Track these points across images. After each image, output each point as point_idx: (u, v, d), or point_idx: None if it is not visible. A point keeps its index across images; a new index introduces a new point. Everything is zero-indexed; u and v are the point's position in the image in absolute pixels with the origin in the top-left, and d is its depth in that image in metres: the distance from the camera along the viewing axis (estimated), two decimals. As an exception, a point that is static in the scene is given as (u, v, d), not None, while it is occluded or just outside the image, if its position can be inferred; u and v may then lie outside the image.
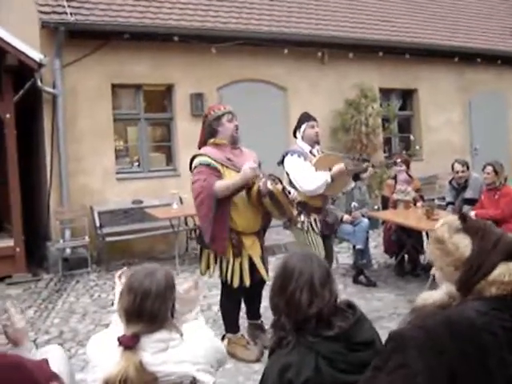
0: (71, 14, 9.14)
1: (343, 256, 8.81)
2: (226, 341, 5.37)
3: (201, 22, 10.35)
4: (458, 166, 8.03)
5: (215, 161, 5.05)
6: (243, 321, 5.67)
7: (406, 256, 8.10)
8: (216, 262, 5.21)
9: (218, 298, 5.59)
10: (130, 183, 10.01)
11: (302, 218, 5.67)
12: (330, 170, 5.62)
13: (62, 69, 9.26)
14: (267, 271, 5.22)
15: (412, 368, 1.81)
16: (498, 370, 1.85)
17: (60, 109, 9.20)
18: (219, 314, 5.65)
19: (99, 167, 9.63)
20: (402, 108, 13.37)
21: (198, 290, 3.12)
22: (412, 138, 13.15)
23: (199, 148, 5.31)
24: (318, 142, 5.83)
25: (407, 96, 13.45)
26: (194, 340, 2.60)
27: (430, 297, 2.15)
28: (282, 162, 5.80)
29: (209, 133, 5.23)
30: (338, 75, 11.80)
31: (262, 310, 5.58)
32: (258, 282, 5.18)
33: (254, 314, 5.58)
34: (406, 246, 7.81)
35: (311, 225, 5.71)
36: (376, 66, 12.32)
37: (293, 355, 2.25)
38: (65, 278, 8.73)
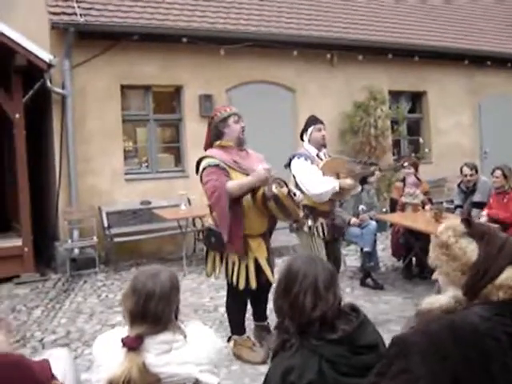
0: (81, 15, 9.18)
1: (351, 259, 8.79)
2: (231, 342, 5.37)
3: (210, 24, 10.36)
4: (466, 170, 8.01)
5: (222, 162, 5.04)
6: (249, 322, 5.66)
7: (414, 259, 8.07)
8: (222, 264, 5.20)
9: (225, 299, 5.58)
10: (138, 184, 10.03)
11: (309, 222, 5.65)
12: (337, 174, 5.60)
13: (72, 69, 9.29)
14: (273, 273, 5.21)
15: (415, 373, 1.80)
16: (501, 376, 1.84)
17: (69, 109, 9.23)
18: (225, 315, 5.64)
19: (108, 168, 9.65)
20: (411, 110, 13.33)
21: None
22: (421, 140, 13.08)
23: (205, 150, 5.30)
24: (324, 146, 5.80)
25: (416, 98, 13.40)
26: (197, 341, 2.60)
27: (436, 301, 2.13)
28: (288, 165, 5.78)
29: (215, 134, 5.22)
30: (347, 77, 11.78)
31: (268, 312, 5.57)
32: (264, 284, 5.17)
33: (260, 315, 5.57)
34: (413, 248, 7.78)
35: (317, 229, 5.69)
36: (385, 68, 12.29)
37: (296, 358, 2.25)
38: (72, 278, 8.75)
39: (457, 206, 8.31)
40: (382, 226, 8.95)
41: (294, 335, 2.30)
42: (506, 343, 1.86)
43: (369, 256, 7.67)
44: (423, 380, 1.79)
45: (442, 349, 1.81)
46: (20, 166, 8.75)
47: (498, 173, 7.62)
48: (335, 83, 11.70)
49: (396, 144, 12.88)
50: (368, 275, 7.71)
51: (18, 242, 8.78)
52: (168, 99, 10.90)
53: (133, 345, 2.45)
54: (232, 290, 5.24)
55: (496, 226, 6.55)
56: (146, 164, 10.59)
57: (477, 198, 7.96)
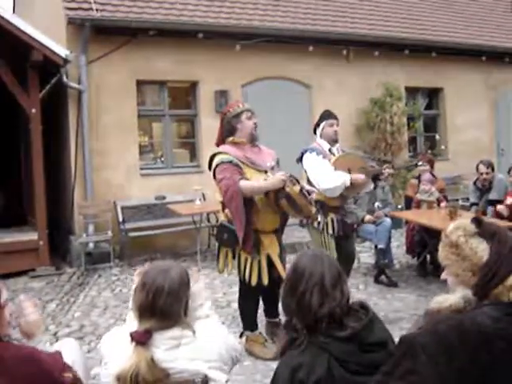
0: (97, 10, 9.21)
1: (365, 255, 8.77)
2: (244, 338, 5.38)
3: (226, 19, 10.36)
4: (482, 168, 7.94)
5: (236, 159, 5.04)
6: (262, 319, 5.66)
7: (429, 256, 8.03)
8: (234, 259, 5.21)
9: (237, 295, 5.59)
10: (153, 179, 10.07)
11: (319, 217, 5.64)
12: (349, 170, 5.57)
13: (88, 65, 9.33)
14: (285, 269, 5.20)
15: (422, 374, 1.80)
16: (510, 377, 1.82)
17: (85, 104, 9.27)
18: (238, 311, 5.64)
19: (123, 163, 9.69)
20: (427, 107, 13.26)
21: (196, 280, 3.01)
22: (437, 137, 13.03)
23: (217, 146, 5.30)
24: (336, 141, 5.78)
25: (433, 95, 13.32)
26: (207, 338, 2.60)
27: (445, 300, 2.12)
28: (300, 160, 5.77)
29: (227, 130, 5.21)
30: (363, 73, 11.72)
31: (279, 309, 5.57)
32: (276, 280, 5.15)
33: (272, 312, 5.56)
34: (428, 246, 7.74)
35: (327, 225, 5.68)
36: (402, 64, 12.23)
37: (304, 355, 2.24)
38: (87, 272, 8.80)
39: (472, 204, 8.26)
40: (397, 223, 8.92)
41: (302, 333, 2.30)
42: (516, 344, 1.85)
43: (383, 253, 7.64)
44: (430, 381, 1.78)
45: (449, 350, 1.80)
46: (36, 160, 8.80)
47: (515, 171, 7.57)
48: (351, 79, 11.65)
49: (412, 141, 12.83)
50: (382, 272, 7.68)
51: (33, 236, 8.84)
52: (183, 95, 10.92)
53: (141, 339, 2.46)
54: (244, 286, 5.25)
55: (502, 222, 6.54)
56: (162, 159, 10.63)
57: (493, 195, 7.91)
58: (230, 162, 5.00)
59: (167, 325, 2.52)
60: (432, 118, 13.37)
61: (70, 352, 3.02)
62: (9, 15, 8.39)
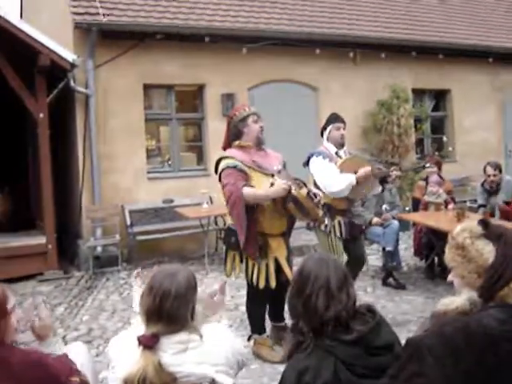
0: (104, 14, 9.24)
1: (372, 258, 8.75)
2: (251, 341, 5.38)
3: (232, 23, 10.38)
4: (489, 170, 7.91)
5: (242, 163, 5.05)
6: (269, 323, 5.65)
7: (436, 259, 8.01)
8: (242, 263, 5.21)
9: (245, 298, 5.59)
10: (161, 182, 10.08)
11: (326, 220, 5.63)
12: (355, 172, 5.56)
13: (95, 69, 9.36)
14: (293, 273, 5.19)
15: (428, 377, 1.79)
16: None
17: (92, 108, 9.31)
18: (246, 314, 5.64)
19: (131, 166, 9.71)
20: (434, 109, 13.23)
21: (224, 294, 3.11)
22: (445, 139, 13.00)
23: (224, 149, 5.31)
24: (342, 145, 5.77)
25: (440, 97, 13.30)
26: (213, 342, 2.60)
27: (452, 303, 2.12)
28: (307, 164, 5.77)
29: (234, 134, 5.22)
30: (370, 75, 11.71)
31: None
32: (283, 284, 5.14)
33: (277, 316, 5.55)
34: (436, 248, 7.72)
35: (334, 228, 5.67)
36: (409, 67, 12.22)
37: (311, 359, 2.24)
38: (95, 275, 8.82)
39: (480, 206, 8.23)
40: (404, 225, 8.90)
41: (308, 336, 2.30)
42: (521, 346, 1.84)
43: (391, 255, 7.62)
44: (437, 383, 1.78)
45: (455, 352, 1.80)
46: (44, 164, 8.84)
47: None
48: (358, 81, 11.64)
49: (419, 142, 12.81)
50: (390, 275, 7.67)
51: (41, 240, 8.87)
52: (190, 98, 10.94)
53: (148, 343, 2.46)
54: (252, 289, 5.24)
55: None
56: (169, 163, 10.65)
57: (501, 197, 7.88)
58: (235, 167, 5.01)
59: (174, 329, 2.52)
60: (439, 119, 13.35)
61: (79, 356, 3.04)
62: (16, 20, 8.44)
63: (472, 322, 1.90)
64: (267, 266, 5.12)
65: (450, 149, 12.85)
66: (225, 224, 8.88)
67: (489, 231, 2.12)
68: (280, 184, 4.89)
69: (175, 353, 2.50)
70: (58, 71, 8.68)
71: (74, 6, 9.28)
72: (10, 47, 8.33)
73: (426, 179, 8.48)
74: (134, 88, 9.79)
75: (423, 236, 7.96)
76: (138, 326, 2.63)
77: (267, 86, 10.87)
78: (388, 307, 6.68)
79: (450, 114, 13.20)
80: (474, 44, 12.87)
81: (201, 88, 10.57)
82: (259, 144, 5.22)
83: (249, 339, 5.40)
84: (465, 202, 9.87)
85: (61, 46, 8.56)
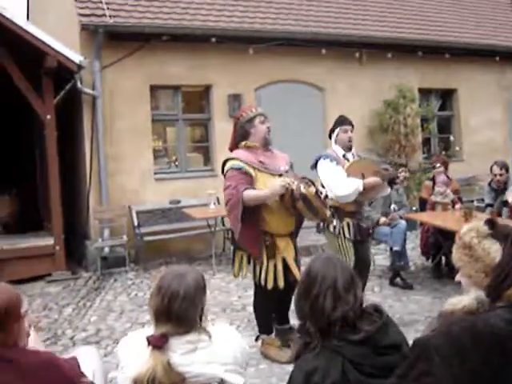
0: (110, 16, 9.28)
1: (380, 258, 8.76)
2: (259, 342, 5.39)
3: (238, 23, 10.40)
4: (496, 169, 7.90)
5: (247, 164, 5.05)
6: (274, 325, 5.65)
7: (444, 258, 8.00)
8: (249, 264, 5.22)
9: (252, 298, 5.60)
10: (168, 183, 10.11)
11: (335, 222, 5.63)
12: (362, 175, 5.54)
13: (102, 70, 9.40)
14: (300, 273, 5.19)
15: (436, 376, 1.80)
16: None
17: (99, 110, 9.34)
18: (254, 314, 5.65)
19: (138, 167, 9.74)
20: (441, 108, 13.21)
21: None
22: (452, 138, 12.99)
23: (230, 150, 5.32)
24: (350, 148, 5.75)
25: (447, 96, 13.28)
26: (222, 341, 2.61)
27: (459, 302, 2.12)
28: (315, 166, 5.76)
29: (241, 135, 5.24)
30: (376, 75, 11.71)
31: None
32: (292, 284, 5.13)
33: (282, 319, 5.52)
34: (443, 248, 7.71)
35: (343, 229, 5.66)
36: (415, 66, 12.21)
37: (319, 359, 2.25)
38: (103, 276, 8.85)
39: (487, 205, 8.21)
40: (411, 225, 8.89)
41: (315, 337, 2.31)
42: (528, 346, 1.85)
43: (398, 255, 7.62)
44: (444, 382, 1.79)
45: (462, 351, 1.80)
46: (51, 166, 8.88)
47: (530, 171, 7.53)
48: (364, 81, 11.64)
49: (426, 142, 12.80)
50: (397, 274, 7.67)
51: (49, 241, 8.91)
52: (197, 99, 10.96)
53: (157, 343, 2.48)
54: (259, 289, 5.25)
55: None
56: (176, 163, 10.68)
57: (507, 196, 7.85)
58: (240, 169, 5.02)
59: (183, 329, 2.54)
60: (446, 119, 13.32)
61: (90, 360, 3.06)
62: (23, 22, 8.47)
63: (479, 322, 1.90)
64: (275, 266, 5.13)
65: (457, 148, 12.84)
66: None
67: (496, 231, 2.12)
68: (277, 182, 4.91)
69: (184, 353, 2.51)
70: (64, 73, 8.71)
71: (81, 8, 9.32)
72: (16, 49, 8.36)
73: (433, 179, 8.46)
74: (141, 89, 9.82)
75: (430, 236, 7.96)
76: (149, 327, 2.65)
77: (274, 87, 10.88)
78: (395, 307, 6.68)
79: (457, 114, 13.18)
80: (481, 43, 12.85)
81: (207, 89, 10.59)
82: (266, 145, 5.23)
83: (256, 339, 5.41)
84: (472, 201, 9.87)
85: (67, 47, 8.59)
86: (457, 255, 2.19)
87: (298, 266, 5.24)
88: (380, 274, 8.14)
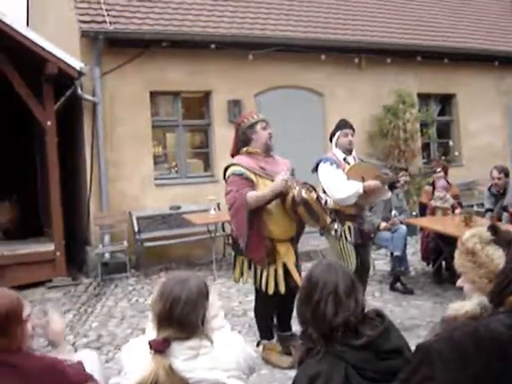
0: (110, 22, 9.31)
1: (380, 263, 8.77)
2: (261, 347, 5.39)
3: (238, 29, 10.43)
4: (494, 173, 7.91)
5: (248, 170, 5.07)
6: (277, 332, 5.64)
7: (444, 263, 8.01)
8: (250, 269, 5.23)
9: (253, 304, 5.61)
10: (168, 189, 10.12)
11: (336, 225, 5.64)
12: (362, 179, 5.57)
13: (102, 77, 9.43)
14: (301, 277, 5.19)
15: (439, 381, 1.81)
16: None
17: (100, 116, 9.37)
18: (255, 320, 5.65)
19: (138, 173, 9.76)
20: (440, 113, 13.24)
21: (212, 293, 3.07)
22: (451, 143, 13.01)
23: (232, 156, 5.34)
24: (350, 151, 5.78)
25: (446, 101, 13.30)
26: (225, 347, 2.62)
27: (462, 307, 2.13)
28: (315, 170, 5.78)
29: (242, 141, 5.25)
30: (375, 81, 11.74)
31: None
32: (292, 289, 5.13)
33: (284, 325, 5.50)
34: (443, 253, 7.72)
35: (344, 233, 5.67)
36: (414, 71, 12.24)
37: (322, 364, 2.26)
38: (104, 282, 8.86)
39: (487, 210, 8.22)
40: (411, 230, 8.89)
41: (318, 342, 2.32)
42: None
43: (399, 260, 7.63)
44: (447, 388, 1.80)
45: (464, 356, 1.81)
46: (52, 172, 8.89)
47: (529, 176, 7.55)
48: (364, 87, 11.67)
49: (425, 147, 12.82)
50: (398, 279, 7.68)
51: (50, 247, 8.91)
52: (197, 105, 10.98)
53: (159, 347, 2.49)
54: (261, 294, 5.25)
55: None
56: (176, 169, 10.69)
57: (507, 201, 7.86)
58: (241, 174, 5.04)
59: (185, 335, 2.54)
60: (445, 124, 13.35)
61: (90, 364, 3.06)
62: (23, 29, 8.50)
63: (481, 327, 1.91)
64: (276, 271, 5.13)
65: (456, 153, 12.87)
66: (232, 230, 8.98)
67: (498, 237, 2.13)
68: (277, 179, 4.93)
69: (186, 359, 2.52)
70: (65, 79, 8.73)
71: (81, 14, 9.36)
72: (16, 55, 8.39)
73: (433, 184, 8.47)
74: (141, 95, 9.85)
75: (430, 241, 7.97)
76: (151, 333, 2.66)
77: (273, 92, 10.91)
78: (396, 312, 6.68)
79: (456, 119, 13.20)
80: (480, 48, 12.88)
81: (207, 95, 10.62)
82: (267, 150, 5.25)
83: (258, 345, 5.41)
84: (472, 206, 9.87)
85: (67, 54, 8.62)
86: (459, 261, 2.20)
87: (299, 271, 5.25)
88: (380, 279, 8.15)
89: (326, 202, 5.21)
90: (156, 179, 10.09)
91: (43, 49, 8.29)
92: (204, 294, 2.66)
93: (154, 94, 10.14)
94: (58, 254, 8.83)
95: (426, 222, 8.07)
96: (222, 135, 10.19)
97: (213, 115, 10.57)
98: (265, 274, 5.12)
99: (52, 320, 3.02)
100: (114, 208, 9.50)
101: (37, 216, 10.78)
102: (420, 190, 10.27)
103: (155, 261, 9.40)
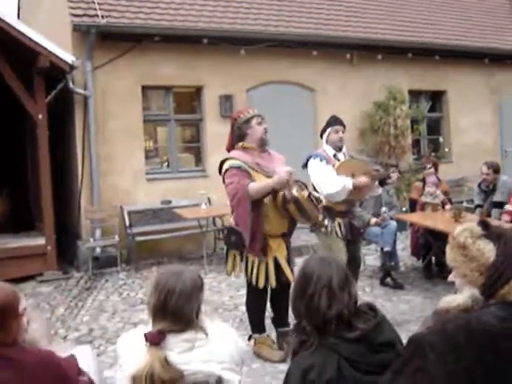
0: (102, 16, 9.28)
1: (370, 258, 8.82)
2: (252, 341, 5.42)
3: (230, 25, 10.43)
4: (484, 169, 7.96)
5: (245, 164, 5.10)
6: (269, 320, 5.68)
7: (434, 258, 8.07)
8: (242, 262, 5.25)
9: (245, 298, 5.62)
10: (159, 183, 10.12)
11: (326, 222, 5.67)
12: (352, 175, 5.60)
13: (94, 71, 9.40)
14: (293, 273, 5.22)
15: (431, 372, 1.84)
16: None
17: (91, 110, 9.35)
18: (246, 314, 5.67)
19: (129, 167, 9.75)
20: (431, 110, 13.29)
21: None
22: (441, 139, 13.08)
23: (228, 151, 5.36)
24: (341, 147, 5.81)
25: (436, 98, 13.36)
26: (219, 340, 2.65)
27: (454, 300, 2.16)
28: (306, 166, 5.81)
29: (238, 136, 5.27)
30: (366, 77, 11.77)
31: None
32: (284, 284, 5.16)
33: (282, 321, 5.51)
34: (433, 248, 7.78)
35: (334, 229, 5.71)
36: (405, 68, 12.29)
37: (315, 357, 2.29)
38: (95, 276, 8.86)
39: (477, 206, 8.28)
40: (401, 225, 8.94)
41: (312, 335, 2.34)
42: (521, 343, 1.89)
43: (389, 256, 7.68)
44: (438, 379, 1.83)
45: (456, 349, 1.85)
46: (43, 165, 8.86)
47: (519, 172, 7.60)
48: (355, 83, 11.70)
49: (416, 143, 12.88)
50: (388, 274, 7.73)
51: (41, 241, 8.90)
52: (188, 99, 10.98)
53: (155, 340, 2.52)
54: (252, 288, 5.27)
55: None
56: (167, 164, 10.69)
57: (497, 197, 7.92)
58: (239, 167, 5.06)
59: (180, 327, 2.57)
60: (435, 120, 13.41)
61: (85, 358, 3.08)
62: (14, 21, 8.46)
63: (472, 319, 1.94)
64: (267, 265, 5.16)
65: (446, 150, 12.93)
66: (223, 224, 9.01)
67: (489, 231, 2.17)
68: (280, 171, 4.96)
69: (182, 351, 2.55)
70: (56, 73, 8.70)
71: (73, 8, 9.32)
72: (8, 48, 8.36)
73: (423, 180, 8.53)
74: (133, 89, 9.84)
75: (420, 236, 8.02)
76: (145, 325, 2.69)
77: (265, 88, 10.92)
78: (386, 307, 6.72)
79: (446, 115, 13.27)
80: (470, 45, 12.95)
81: (199, 89, 10.61)
82: (263, 145, 5.27)
83: (249, 339, 5.44)
84: (461, 202, 9.93)
85: (59, 47, 8.59)
86: (451, 255, 2.23)
87: (291, 266, 5.28)
88: (371, 274, 8.20)
89: (318, 199, 5.21)
90: (147, 174, 10.09)
91: (35, 42, 8.26)
92: (198, 287, 2.69)
93: (145, 89, 10.13)
94: (48, 248, 8.82)
95: (416, 217, 8.12)
96: (214, 130, 10.21)
97: (204, 110, 10.57)
98: (255, 268, 5.15)
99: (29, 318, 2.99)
100: (106, 202, 9.50)
101: (28, 210, 10.75)
102: (410, 186, 10.32)
103: (146, 255, 9.42)
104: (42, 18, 12.06)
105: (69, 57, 8.64)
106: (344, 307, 2.32)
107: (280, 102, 10.80)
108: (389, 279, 7.70)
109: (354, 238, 5.89)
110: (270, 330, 5.59)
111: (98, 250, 9.32)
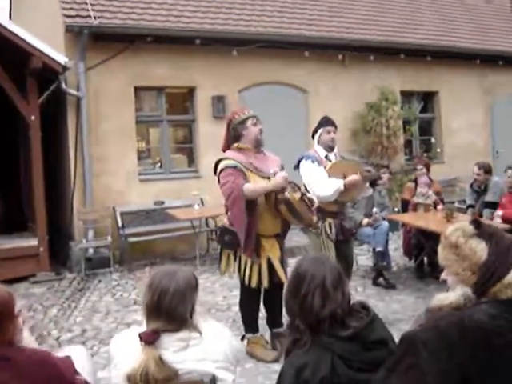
0: (95, 17, 9.27)
1: (363, 258, 8.84)
2: (245, 341, 5.43)
3: (222, 25, 10.44)
4: (475, 169, 8.03)
5: (240, 164, 5.11)
6: (263, 321, 5.69)
7: (426, 258, 8.11)
8: (235, 262, 5.26)
9: (238, 298, 5.64)
10: (152, 184, 10.12)
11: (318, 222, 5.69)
12: (344, 176, 5.61)
13: (86, 71, 9.39)
14: (286, 274, 5.23)
15: (423, 370, 1.86)
16: (509, 373, 1.89)
17: (84, 111, 9.34)
18: (239, 314, 5.69)
19: (122, 168, 9.75)
20: (423, 110, 13.34)
21: None
22: (433, 140, 13.12)
23: (223, 151, 5.37)
24: (332, 148, 5.81)
25: (428, 98, 13.41)
26: (213, 338, 2.67)
27: (446, 298, 2.18)
28: (297, 167, 5.83)
29: (233, 136, 5.29)
30: (358, 78, 11.81)
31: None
32: (277, 285, 5.18)
33: (276, 321, 5.52)
34: (425, 248, 7.81)
35: (325, 229, 5.73)
36: (397, 69, 12.32)
37: (309, 355, 2.30)
38: (87, 277, 8.84)
39: (469, 206, 8.33)
40: (393, 225, 8.98)
41: (305, 333, 2.36)
42: (513, 340, 1.91)
43: (381, 256, 7.71)
44: (431, 376, 1.84)
45: (450, 346, 1.86)
46: (36, 166, 8.85)
47: (510, 172, 7.65)
48: (347, 84, 11.73)
49: (408, 144, 12.91)
50: (380, 274, 7.75)
51: (33, 242, 8.89)
52: (181, 100, 10.99)
53: (149, 339, 2.53)
54: (245, 288, 5.29)
55: (508, 225, 6.61)
56: (160, 164, 10.69)
57: (488, 197, 7.98)
58: (235, 167, 5.07)
59: (174, 326, 2.59)
60: (427, 121, 13.45)
61: (79, 359, 3.09)
62: (7, 22, 8.45)
63: (465, 317, 1.97)
64: (260, 265, 5.18)
65: (438, 150, 12.97)
66: (216, 225, 9.02)
67: (481, 231, 2.19)
68: (278, 176, 4.97)
69: (176, 350, 2.56)
70: (49, 73, 8.69)
71: (66, 9, 9.31)
72: (0, 49, 8.32)
73: (415, 180, 8.57)
74: (125, 90, 9.83)
75: (412, 237, 8.05)
76: (138, 326, 2.70)
77: (257, 89, 10.93)
78: (378, 307, 6.73)
79: (438, 116, 13.32)
80: (462, 46, 12.99)
81: (191, 90, 10.62)
82: (258, 146, 5.29)
83: (242, 339, 5.45)
84: (453, 202, 9.98)
85: (52, 48, 8.58)
86: (443, 254, 2.24)
87: (284, 267, 5.29)
88: (363, 274, 8.23)
89: (312, 200, 5.22)
90: (140, 174, 10.08)
91: (27, 43, 8.24)
92: (192, 287, 2.70)
93: (138, 89, 10.13)
94: (41, 249, 8.79)
95: (408, 217, 8.15)
96: (206, 131, 10.23)
97: (197, 111, 10.57)
98: (248, 268, 5.17)
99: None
100: (98, 203, 9.49)
101: (21, 211, 10.71)
102: (402, 187, 10.36)
103: (139, 256, 9.41)
104: (35, 18, 12.03)
105: (61, 58, 8.64)
106: (337, 306, 2.34)
107: (272, 102, 10.81)
108: (381, 279, 7.73)
109: (345, 238, 5.90)
110: (264, 331, 5.60)
111: (91, 250, 9.31)
